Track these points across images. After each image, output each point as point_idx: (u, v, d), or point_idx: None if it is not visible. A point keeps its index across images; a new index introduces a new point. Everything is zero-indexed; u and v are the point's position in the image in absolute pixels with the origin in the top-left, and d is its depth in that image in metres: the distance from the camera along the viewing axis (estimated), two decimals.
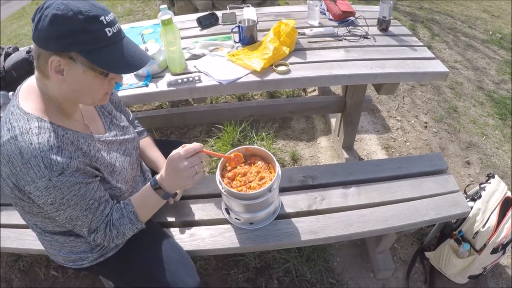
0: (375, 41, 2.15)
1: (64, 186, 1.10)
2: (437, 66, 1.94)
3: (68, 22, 1.00)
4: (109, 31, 1.06)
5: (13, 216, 1.94)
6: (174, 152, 1.28)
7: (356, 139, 2.97)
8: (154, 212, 1.39)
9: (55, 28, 1.00)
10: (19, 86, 1.24)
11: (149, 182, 1.34)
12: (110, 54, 1.09)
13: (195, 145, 1.28)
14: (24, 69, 1.97)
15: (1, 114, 1.91)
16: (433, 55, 2.02)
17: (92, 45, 1.05)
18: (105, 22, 1.05)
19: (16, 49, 2.17)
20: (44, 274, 2.34)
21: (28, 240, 1.81)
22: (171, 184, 1.31)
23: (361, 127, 3.19)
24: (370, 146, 3.04)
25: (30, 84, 1.20)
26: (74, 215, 1.18)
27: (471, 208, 1.94)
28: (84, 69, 1.08)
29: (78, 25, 1.01)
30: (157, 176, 1.33)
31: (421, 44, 2.14)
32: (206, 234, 1.65)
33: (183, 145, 1.29)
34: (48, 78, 1.11)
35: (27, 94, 1.18)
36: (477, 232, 1.90)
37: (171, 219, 1.74)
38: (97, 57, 1.07)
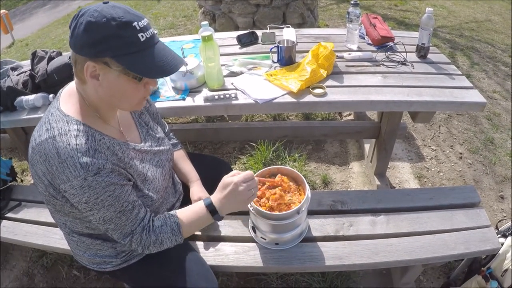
0: (413, 68, 2.13)
1: (99, 186, 1.13)
2: (475, 96, 1.90)
3: (102, 29, 1.04)
4: (142, 36, 1.09)
5: (42, 214, 2.02)
6: (228, 177, 1.33)
7: (389, 166, 2.92)
8: (197, 231, 1.39)
9: (89, 35, 1.04)
10: (61, 89, 1.29)
11: (201, 201, 1.37)
12: (143, 58, 1.11)
13: (249, 173, 1.33)
14: (65, 73, 2.06)
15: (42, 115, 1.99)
16: (471, 85, 1.98)
17: (125, 50, 1.08)
18: (138, 28, 1.08)
19: (59, 54, 2.27)
20: (66, 273, 2.40)
21: (54, 239, 1.87)
22: (227, 206, 1.34)
23: (394, 154, 3.14)
24: (403, 174, 2.98)
25: (71, 88, 1.25)
26: (107, 216, 1.19)
27: (502, 244, 1.87)
28: (118, 74, 1.11)
29: (111, 31, 1.05)
30: (212, 197, 1.36)
31: (460, 72, 2.10)
32: (231, 251, 1.66)
33: (234, 172, 1.34)
34: (85, 83, 1.16)
35: (68, 98, 1.22)
36: (506, 270, 1.83)
37: (197, 232, 1.75)
38: (130, 61, 1.09)
